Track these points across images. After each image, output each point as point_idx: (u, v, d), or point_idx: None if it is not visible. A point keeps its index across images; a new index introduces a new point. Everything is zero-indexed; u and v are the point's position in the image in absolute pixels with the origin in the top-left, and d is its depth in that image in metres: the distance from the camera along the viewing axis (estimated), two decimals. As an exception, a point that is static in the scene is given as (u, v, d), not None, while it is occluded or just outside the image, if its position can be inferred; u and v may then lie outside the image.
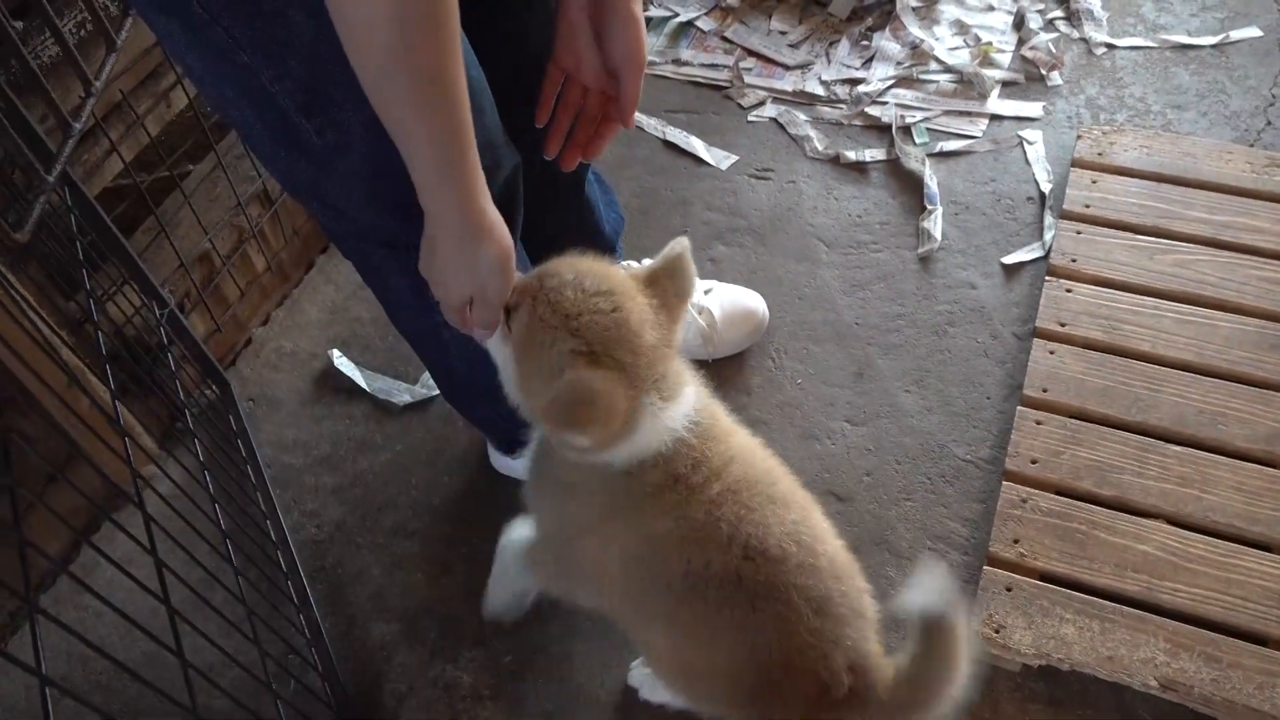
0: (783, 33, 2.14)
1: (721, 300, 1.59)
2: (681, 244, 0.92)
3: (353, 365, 1.66)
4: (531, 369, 0.88)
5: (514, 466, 1.47)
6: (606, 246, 1.45)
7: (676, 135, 1.96)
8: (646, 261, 1.05)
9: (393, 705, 1.30)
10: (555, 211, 1.36)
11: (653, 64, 2.12)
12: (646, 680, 1.26)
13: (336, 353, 1.67)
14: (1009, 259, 1.69)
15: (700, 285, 1.57)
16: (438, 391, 1.60)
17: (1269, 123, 1.84)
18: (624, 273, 0.91)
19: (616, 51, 0.99)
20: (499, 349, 0.93)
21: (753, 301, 1.60)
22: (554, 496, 1.00)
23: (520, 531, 1.13)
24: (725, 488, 0.90)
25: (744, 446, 0.95)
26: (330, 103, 0.90)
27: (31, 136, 1.11)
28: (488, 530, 1.44)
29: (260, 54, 0.85)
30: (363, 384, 1.63)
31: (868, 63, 2.04)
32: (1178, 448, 1.37)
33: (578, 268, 0.89)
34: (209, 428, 1.57)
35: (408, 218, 1.02)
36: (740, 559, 0.89)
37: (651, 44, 2.18)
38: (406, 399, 1.61)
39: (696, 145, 1.94)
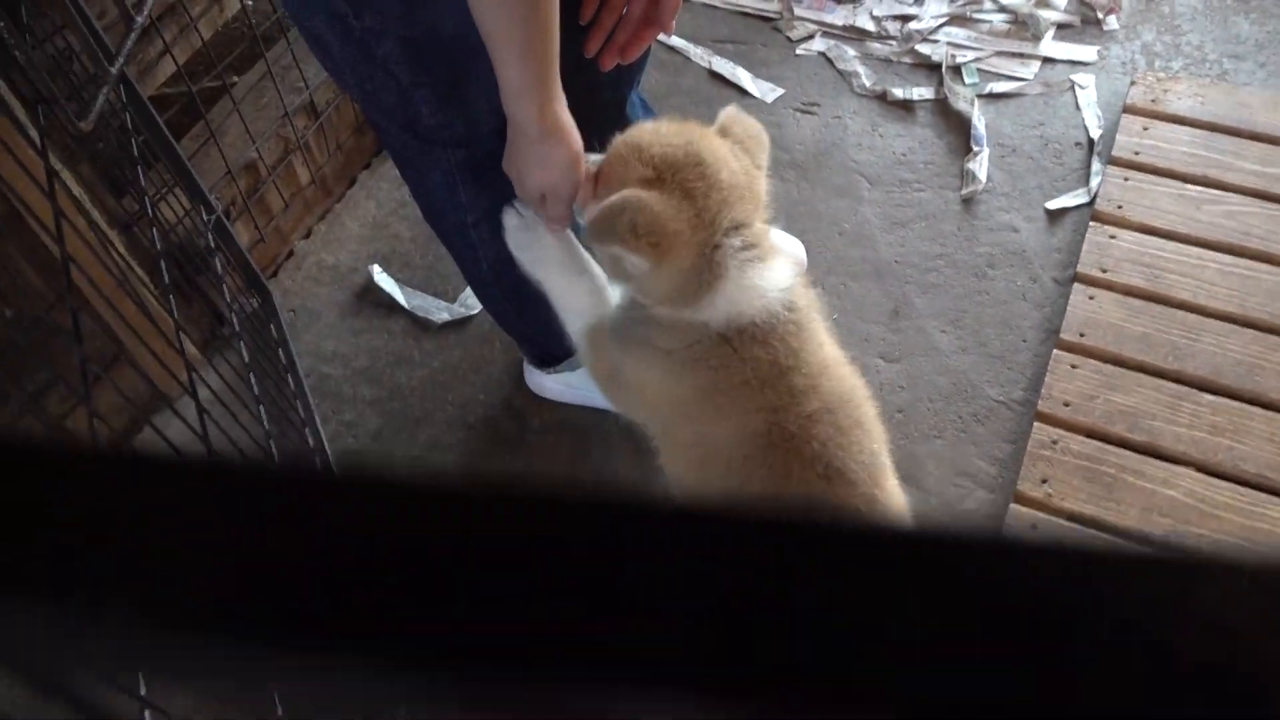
0: (835, -35, 2.10)
1: None
2: (728, 111, 0.95)
3: (392, 281, 1.68)
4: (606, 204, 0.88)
5: (549, 388, 1.50)
6: None
7: (723, 65, 1.94)
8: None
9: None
10: (594, 128, 1.36)
11: (701, -8, 2.10)
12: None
13: (377, 268, 1.69)
14: (1053, 204, 1.67)
15: None
16: (476, 310, 1.62)
17: (1329, 76, 1.80)
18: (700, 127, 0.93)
19: None
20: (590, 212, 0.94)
21: (792, 248, 1.60)
22: (643, 363, 0.97)
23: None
24: (822, 405, 0.90)
25: (835, 358, 0.96)
26: None
27: (91, 29, 1.12)
28: (521, 449, 1.48)
29: None
30: (401, 300, 1.65)
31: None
32: (1212, 397, 1.37)
33: (659, 124, 0.93)
34: (252, 335, 1.60)
35: (441, 103, 1.03)
36: (818, 476, 0.90)
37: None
38: (445, 316, 1.63)
39: (742, 76, 1.92)
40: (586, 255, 1.05)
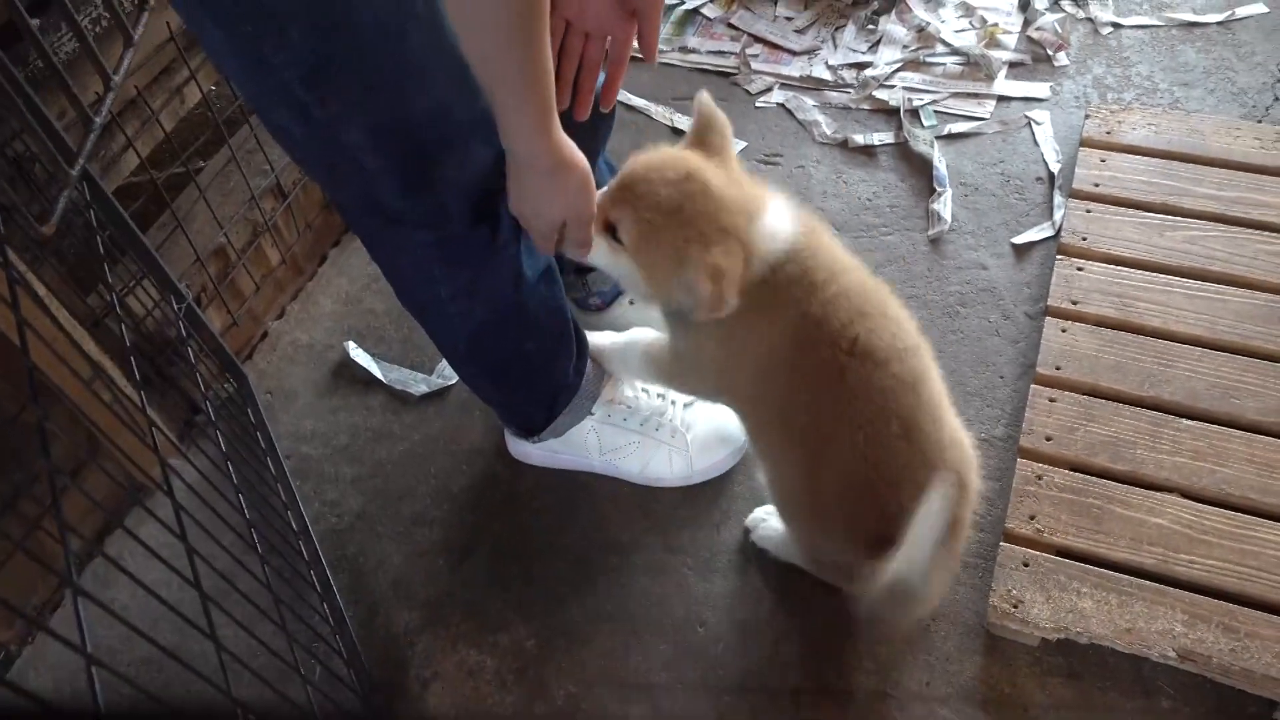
0: (788, 18, 2.14)
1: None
2: (701, 98, 1.06)
3: (368, 356, 1.67)
4: (655, 267, 1.03)
5: (533, 455, 1.49)
6: None
7: (685, 123, 1.97)
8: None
9: (418, 690, 1.31)
10: None
11: (661, 52, 2.13)
12: (764, 530, 1.36)
13: (352, 344, 1.69)
14: (1019, 239, 1.70)
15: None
16: (453, 380, 1.62)
17: (1277, 98, 1.84)
18: (679, 150, 1.05)
19: None
20: (613, 262, 1.08)
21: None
22: (703, 336, 1.12)
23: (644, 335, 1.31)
24: (841, 290, 1.02)
25: (859, 267, 1.08)
26: (332, 74, 0.91)
27: (51, 132, 1.12)
28: (507, 517, 1.47)
29: (260, 23, 0.86)
30: (379, 375, 1.65)
31: (874, 47, 2.05)
32: (1190, 422, 1.38)
33: (650, 165, 1.03)
34: (228, 420, 1.59)
35: (407, 192, 1.04)
36: (845, 353, 1.01)
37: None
38: (423, 389, 1.62)
39: (704, 132, 1.95)
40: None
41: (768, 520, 1.37)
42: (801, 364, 1.04)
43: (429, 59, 0.94)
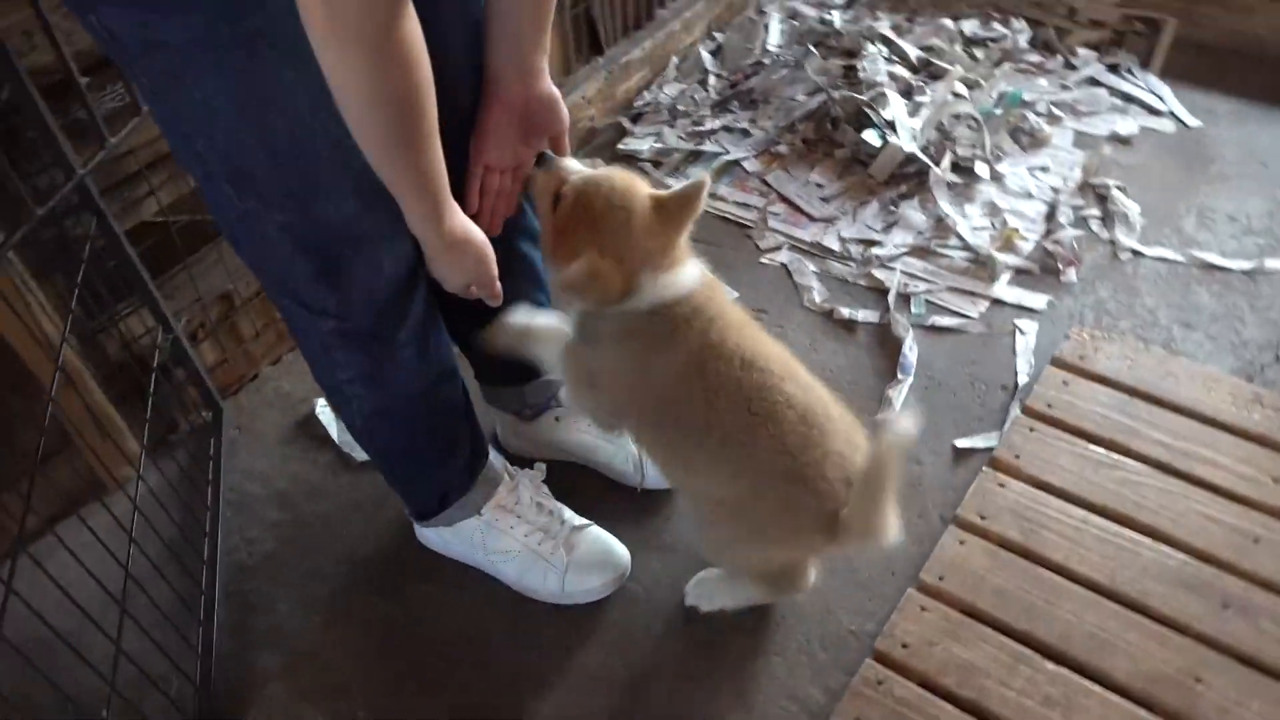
0: (819, 185, 2.23)
1: None
2: (702, 184, 1.20)
3: (332, 417, 1.81)
4: (562, 243, 1.21)
5: (430, 539, 1.58)
6: None
7: (689, 263, 2.06)
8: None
9: (249, 732, 1.40)
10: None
11: (692, 193, 2.25)
12: (702, 589, 1.49)
13: (320, 402, 1.84)
14: (962, 442, 1.69)
15: None
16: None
17: (1277, 358, 1.78)
18: (645, 189, 1.22)
19: (546, 122, 1.22)
20: (545, 220, 1.25)
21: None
22: (606, 349, 1.28)
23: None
24: (726, 324, 1.23)
25: (736, 311, 1.27)
26: (250, 179, 1.05)
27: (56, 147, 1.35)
28: (391, 592, 1.56)
29: (194, 128, 1.02)
30: (334, 435, 1.78)
31: (889, 227, 2.10)
32: (1054, 667, 1.34)
33: (614, 180, 1.20)
34: (191, 444, 1.76)
35: (317, 284, 1.17)
36: (739, 368, 1.20)
37: (697, 176, 2.30)
38: (364, 457, 1.74)
39: (704, 276, 2.04)
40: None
41: (702, 580, 1.49)
42: (706, 384, 1.22)
43: (338, 173, 1.07)
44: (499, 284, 1.21)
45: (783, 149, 2.32)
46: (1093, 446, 1.61)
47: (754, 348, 1.23)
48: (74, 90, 1.40)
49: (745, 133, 2.41)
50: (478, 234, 1.15)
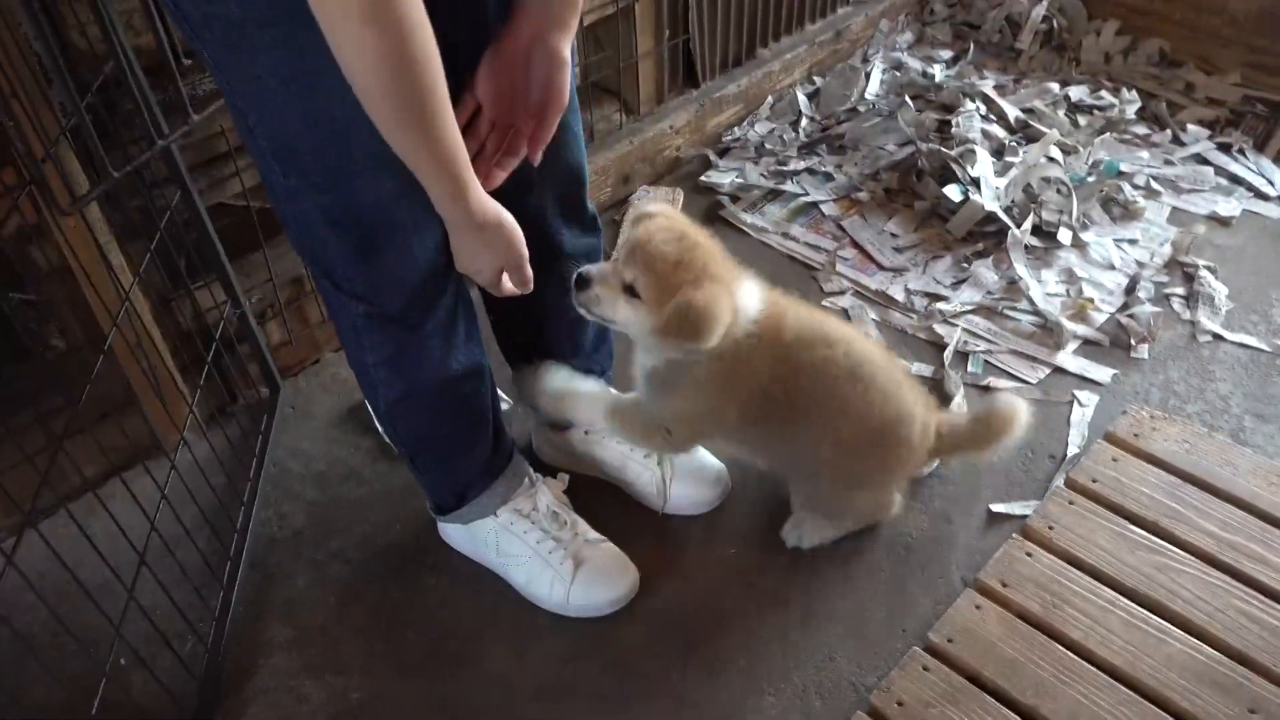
0: (894, 235, 2.20)
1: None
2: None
3: (380, 406, 1.87)
4: (662, 299, 1.26)
5: (449, 534, 1.61)
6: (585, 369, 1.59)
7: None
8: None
9: (250, 695, 1.45)
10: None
11: (763, 230, 2.26)
12: (800, 530, 1.60)
13: (371, 391, 1.90)
14: (999, 507, 1.64)
15: None
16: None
17: (1355, 462, 1.67)
18: (673, 212, 1.35)
19: (542, 87, 1.17)
20: (632, 315, 1.30)
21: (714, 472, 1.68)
22: (686, 388, 1.37)
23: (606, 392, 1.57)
24: (793, 314, 1.38)
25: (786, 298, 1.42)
26: (294, 156, 1.11)
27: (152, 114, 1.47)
28: (407, 581, 1.59)
29: (246, 102, 1.08)
30: (378, 424, 1.84)
31: (959, 284, 2.06)
32: (1054, 748, 1.28)
33: (651, 231, 1.28)
34: (245, 418, 1.84)
35: (350, 265, 1.22)
36: (819, 352, 1.38)
37: (773, 214, 2.31)
38: (403, 448, 1.80)
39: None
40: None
41: (798, 520, 1.60)
42: (797, 374, 1.36)
43: (376, 156, 1.09)
44: (529, 268, 1.22)
45: (863, 196, 2.31)
46: (1133, 527, 1.54)
47: (819, 328, 1.39)
48: (168, 71, 1.50)
49: (829, 176, 2.40)
50: (507, 216, 1.16)
